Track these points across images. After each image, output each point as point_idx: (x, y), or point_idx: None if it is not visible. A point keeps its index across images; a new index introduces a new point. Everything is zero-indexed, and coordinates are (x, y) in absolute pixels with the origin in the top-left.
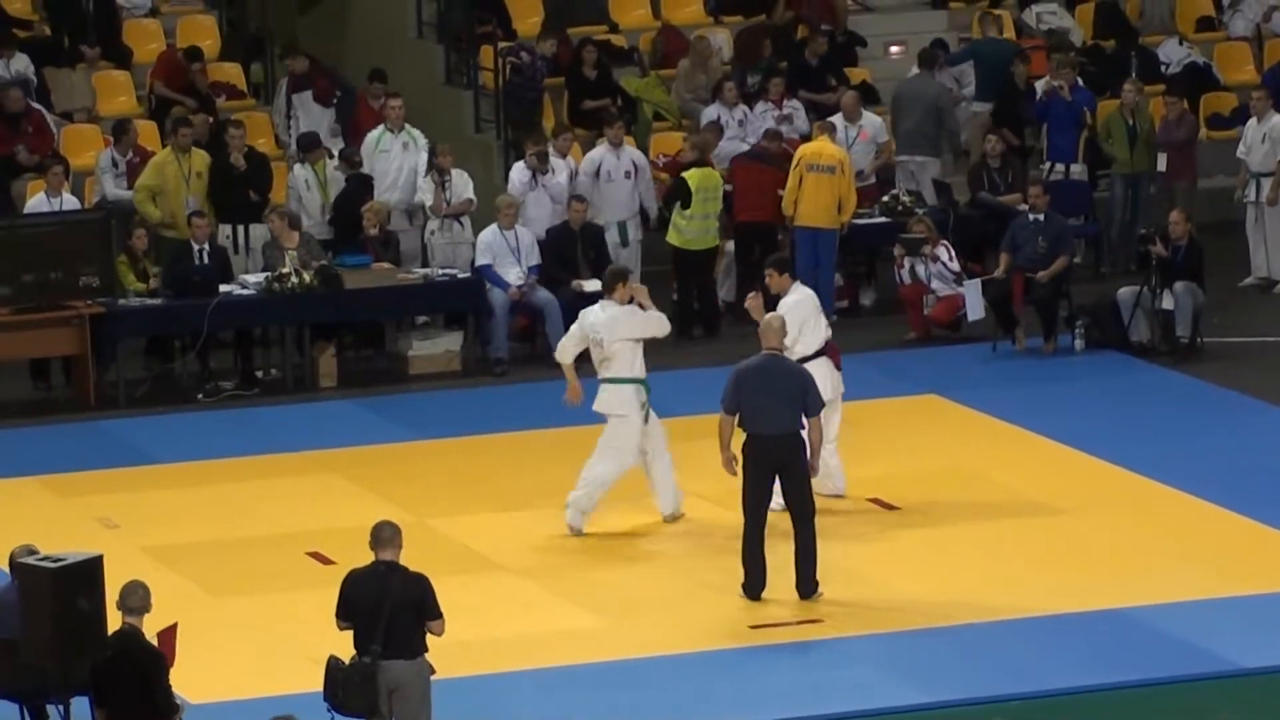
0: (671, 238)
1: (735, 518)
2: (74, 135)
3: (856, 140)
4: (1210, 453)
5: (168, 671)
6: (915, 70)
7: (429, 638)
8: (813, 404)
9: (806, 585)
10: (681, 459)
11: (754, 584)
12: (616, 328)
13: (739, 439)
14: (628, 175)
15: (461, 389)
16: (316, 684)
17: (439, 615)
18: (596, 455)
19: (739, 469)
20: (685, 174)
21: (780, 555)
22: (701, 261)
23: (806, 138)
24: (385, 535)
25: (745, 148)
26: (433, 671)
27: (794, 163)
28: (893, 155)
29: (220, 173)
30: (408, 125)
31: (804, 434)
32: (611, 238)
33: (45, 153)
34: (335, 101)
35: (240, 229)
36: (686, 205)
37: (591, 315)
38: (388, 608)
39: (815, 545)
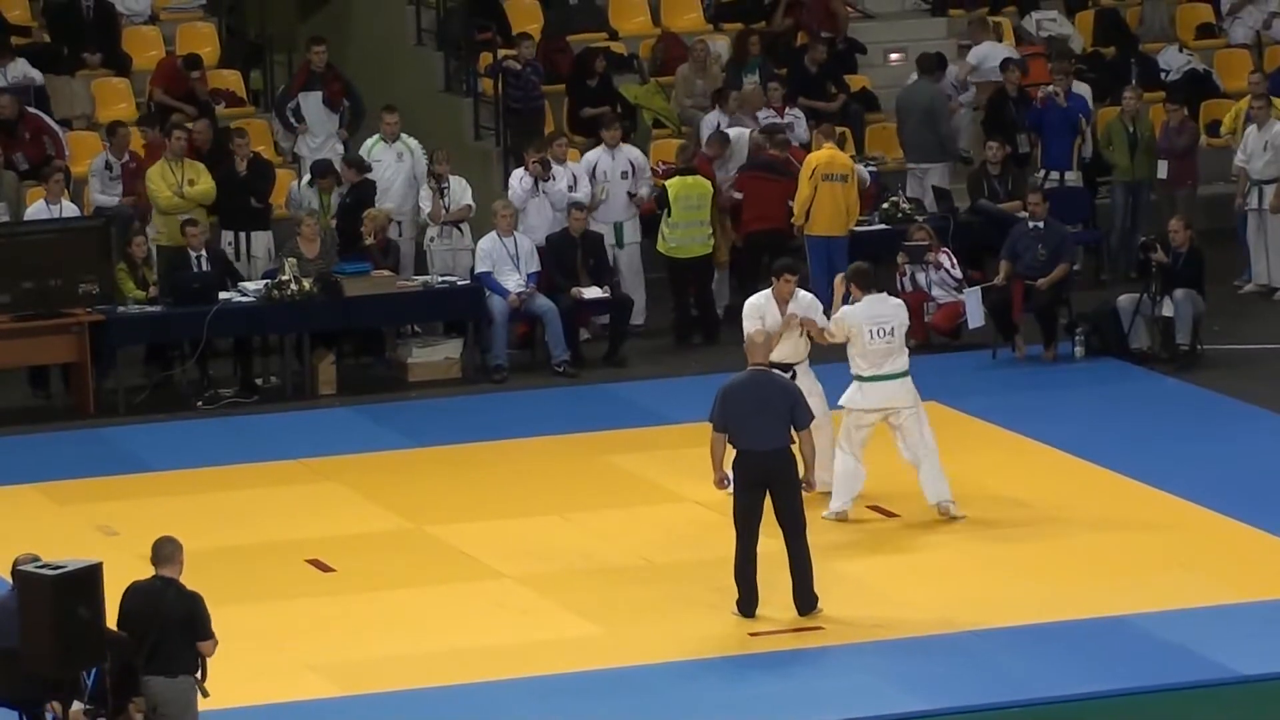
0: (659, 245)
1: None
2: (74, 142)
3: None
4: (1210, 460)
5: None
6: (915, 77)
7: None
8: (801, 418)
9: (805, 601)
10: (681, 466)
11: (748, 602)
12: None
13: (731, 456)
14: (624, 175)
15: (461, 396)
16: (317, 691)
17: (209, 636)
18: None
19: (730, 486)
20: (667, 182)
21: (775, 566)
22: (693, 269)
23: (807, 146)
24: (166, 552)
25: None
26: (205, 695)
27: (808, 172)
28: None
29: (223, 180)
30: (403, 135)
31: (794, 449)
32: (607, 239)
33: (42, 158)
34: (342, 109)
35: (242, 236)
36: (670, 213)
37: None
38: (158, 623)
39: (809, 560)
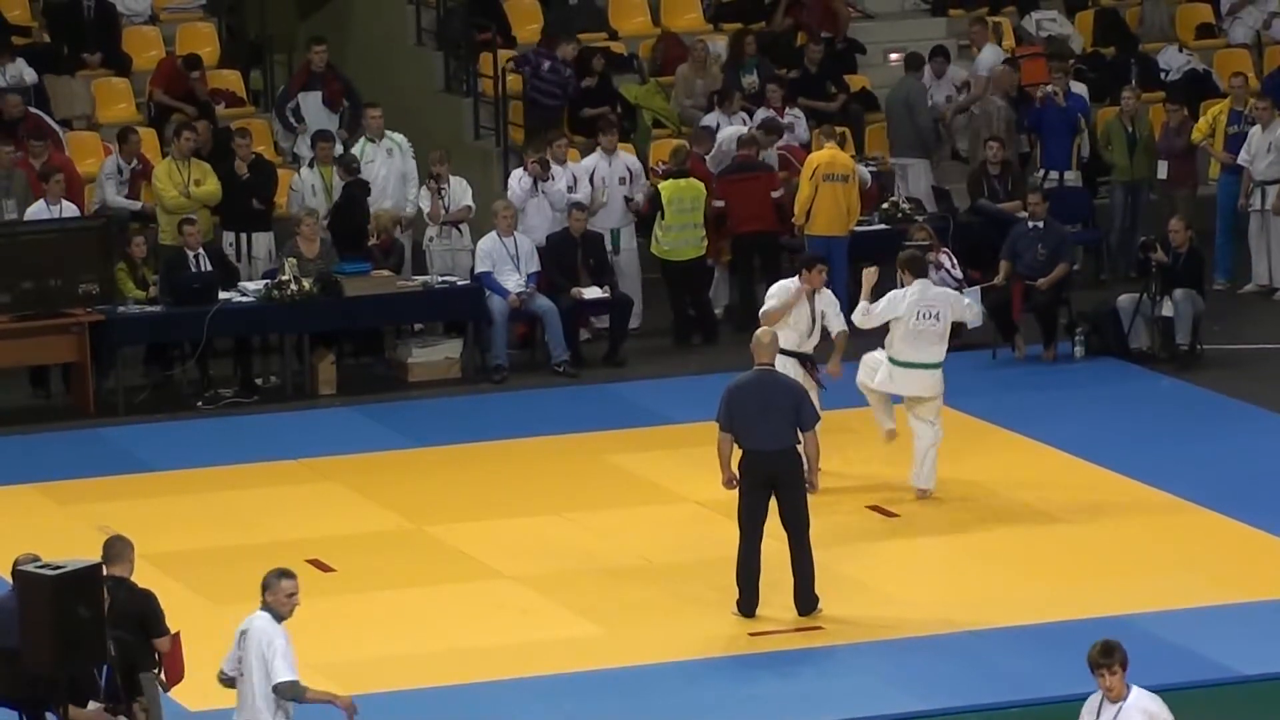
0: (653, 248)
1: (735, 526)
2: (73, 143)
3: None
4: (1210, 460)
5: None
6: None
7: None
8: (807, 418)
9: (805, 602)
10: (681, 465)
11: (748, 602)
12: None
13: (738, 456)
14: (622, 182)
15: (461, 396)
16: None
17: (163, 632)
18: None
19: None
20: (660, 185)
21: (776, 566)
22: (687, 271)
23: (807, 146)
24: (115, 550)
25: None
26: (164, 689)
27: (808, 172)
28: None
29: (224, 181)
30: (388, 132)
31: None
32: (605, 244)
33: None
34: (343, 110)
35: (243, 237)
36: (664, 216)
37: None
38: (111, 623)
39: (811, 561)
